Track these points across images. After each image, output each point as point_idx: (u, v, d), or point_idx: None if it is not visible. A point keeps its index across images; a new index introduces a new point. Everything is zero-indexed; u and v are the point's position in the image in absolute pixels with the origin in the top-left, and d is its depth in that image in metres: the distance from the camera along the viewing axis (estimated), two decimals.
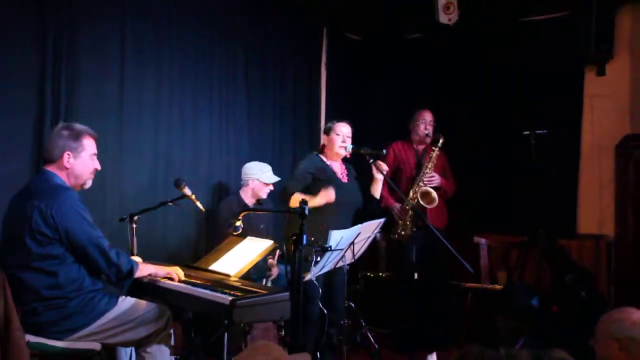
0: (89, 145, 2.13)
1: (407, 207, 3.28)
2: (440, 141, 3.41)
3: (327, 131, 3.01)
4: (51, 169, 2.09)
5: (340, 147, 2.95)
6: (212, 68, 3.68)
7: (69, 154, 2.08)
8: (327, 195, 2.78)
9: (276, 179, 3.32)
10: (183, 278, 2.27)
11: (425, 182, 3.36)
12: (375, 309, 3.84)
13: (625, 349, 1.62)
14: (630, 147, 3.59)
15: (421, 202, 3.30)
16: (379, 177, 2.94)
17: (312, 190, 2.84)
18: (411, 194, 3.36)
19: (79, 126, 2.15)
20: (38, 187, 2.06)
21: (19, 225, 1.99)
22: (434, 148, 3.42)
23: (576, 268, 3.44)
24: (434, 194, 3.31)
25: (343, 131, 2.97)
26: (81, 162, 2.10)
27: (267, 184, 3.30)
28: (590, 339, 1.73)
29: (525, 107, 3.87)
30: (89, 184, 2.18)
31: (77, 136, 2.10)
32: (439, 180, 3.42)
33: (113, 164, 3.14)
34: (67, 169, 2.09)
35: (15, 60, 2.78)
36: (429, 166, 3.40)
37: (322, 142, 3.10)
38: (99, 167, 2.19)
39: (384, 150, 3.00)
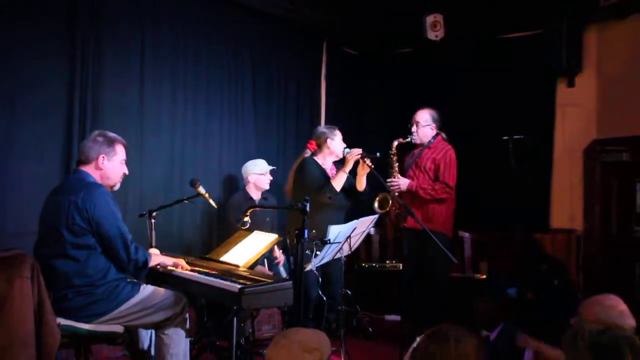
0: (120, 151, 2.17)
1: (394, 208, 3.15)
2: (393, 145, 3.15)
3: (332, 137, 3.00)
4: (85, 169, 2.11)
5: (342, 150, 2.98)
6: (223, 77, 3.68)
7: (103, 157, 2.11)
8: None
9: (270, 167, 3.31)
10: (187, 268, 2.27)
11: (391, 188, 3.08)
12: (370, 296, 3.85)
13: None
14: (597, 151, 3.61)
15: (376, 208, 3.08)
16: (362, 173, 2.90)
17: (318, 192, 2.83)
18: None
19: (112, 134, 2.19)
20: (73, 184, 2.08)
21: (55, 218, 2.00)
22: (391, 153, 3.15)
23: (550, 259, 3.44)
24: (388, 198, 3.07)
25: (341, 138, 3.02)
26: (113, 165, 2.14)
27: (263, 174, 3.30)
28: (573, 318, 1.69)
29: (503, 114, 3.87)
30: (117, 186, 2.21)
31: (111, 142, 2.14)
32: (404, 186, 3.11)
33: (134, 164, 3.12)
34: (101, 170, 2.12)
35: (46, 70, 2.79)
36: (391, 172, 3.15)
37: (318, 145, 3.01)
38: (127, 172, 2.22)
39: (378, 154, 2.92)
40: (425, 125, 3.23)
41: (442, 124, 3.86)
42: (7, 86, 2.66)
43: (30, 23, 2.71)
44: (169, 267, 2.25)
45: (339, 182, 2.86)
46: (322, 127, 3.10)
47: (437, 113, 3.29)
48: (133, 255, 2.07)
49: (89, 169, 2.11)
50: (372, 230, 3.90)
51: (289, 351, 1.28)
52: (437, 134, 3.28)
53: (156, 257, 2.23)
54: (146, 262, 2.11)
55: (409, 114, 3.69)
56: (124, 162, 2.19)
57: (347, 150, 2.93)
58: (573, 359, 1.25)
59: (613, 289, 1.77)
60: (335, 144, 3.00)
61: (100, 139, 2.13)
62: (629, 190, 3.45)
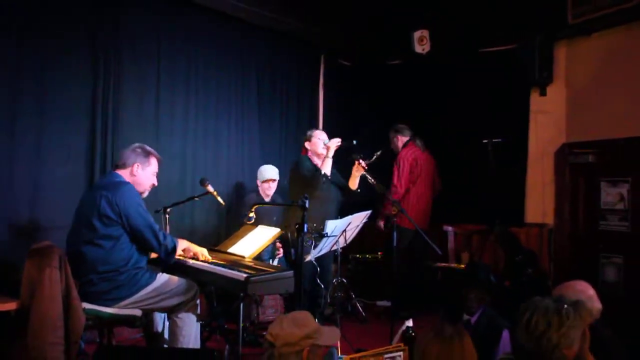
0: (154, 164, 2.22)
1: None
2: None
3: (309, 138, 3.00)
4: (120, 172, 2.16)
5: (322, 148, 2.96)
6: (231, 86, 3.70)
7: (138, 165, 2.16)
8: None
9: (268, 176, 3.28)
10: (209, 257, 2.29)
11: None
12: (363, 284, 3.89)
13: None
14: (566, 154, 3.64)
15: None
16: (357, 174, 2.92)
17: (312, 182, 2.84)
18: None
19: (149, 148, 2.24)
20: (106, 182, 2.13)
21: (89, 209, 2.05)
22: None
23: (524, 250, 3.46)
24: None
25: (322, 137, 2.98)
26: (145, 174, 2.19)
27: (263, 182, 3.30)
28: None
29: (483, 120, 3.90)
30: (146, 194, 2.24)
31: (147, 155, 2.20)
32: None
33: None
34: (134, 176, 2.16)
35: (71, 84, 2.81)
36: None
37: (306, 148, 3.04)
38: (156, 184, 2.26)
39: (355, 142, 2.87)
40: (392, 139, 3.61)
41: (428, 129, 3.93)
42: (37, 92, 2.69)
43: (58, 34, 2.74)
44: (181, 257, 2.27)
45: (326, 167, 2.85)
46: (307, 132, 3.11)
47: (402, 124, 3.64)
48: (162, 241, 2.10)
49: (124, 173, 2.15)
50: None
51: (281, 323, 1.36)
52: (408, 142, 3.60)
53: (182, 242, 2.27)
54: (175, 247, 2.15)
55: (398, 118, 3.74)
56: (155, 174, 2.23)
57: (327, 140, 2.94)
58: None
59: (580, 277, 1.79)
60: (312, 144, 2.98)
61: (138, 150, 2.19)
62: (594, 188, 3.48)
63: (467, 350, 1.27)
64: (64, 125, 2.77)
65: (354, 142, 2.86)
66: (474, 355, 1.28)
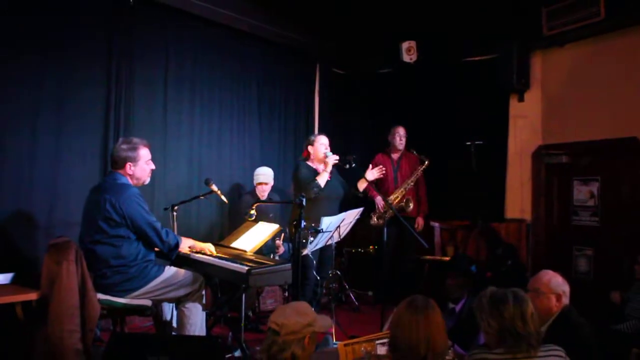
0: (144, 153, 2.16)
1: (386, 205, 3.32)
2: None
3: (312, 143, 2.97)
4: (118, 171, 2.14)
5: (323, 153, 2.94)
6: (234, 92, 3.71)
7: (130, 164, 2.12)
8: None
9: (260, 180, 3.29)
10: (214, 252, 2.31)
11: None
12: (356, 276, 3.92)
13: (560, 299, 1.72)
14: (542, 155, 3.68)
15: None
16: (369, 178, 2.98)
17: (309, 186, 2.86)
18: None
19: (135, 139, 2.17)
20: (109, 184, 2.11)
21: (95, 212, 2.05)
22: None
23: (504, 244, 3.50)
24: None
25: (323, 142, 2.97)
26: (140, 168, 2.15)
27: (257, 184, 3.31)
28: (528, 292, 1.80)
29: (466, 123, 3.94)
30: (147, 181, 2.21)
31: (134, 149, 2.13)
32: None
33: (159, 167, 3.14)
34: (130, 175, 2.14)
35: (87, 90, 2.83)
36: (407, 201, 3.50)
37: (308, 151, 3.01)
38: (154, 167, 2.22)
39: (353, 165, 2.92)
40: (405, 136, 3.56)
41: (416, 132, 3.97)
42: (57, 96, 2.70)
43: (77, 43, 2.76)
44: (187, 252, 2.29)
45: (322, 179, 2.85)
46: (310, 136, 3.10)
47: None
48: (165, 238, 2.11)
49: (121, 172, 2.13)
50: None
51: (284, 313, 1.38)
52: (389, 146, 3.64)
53: (187, 241, 2.27)
54: (177, 243, 2.15)
55: (388, 123, 3.77)
56: (149, 161, 2.17)
57: (329, 154, 2.91)
58: (479, 312, 1.41)
59: (556, 268, 1.85)
60: (314, 148, 2.95)
61: (124, 146, 2.12)
62: (568, 186, 3.54)
63: (434, 321, 1.30)
64: (80, 127, 2.79)
65: (352, 165, 2.89)
66: (440, 325, 1.31)
